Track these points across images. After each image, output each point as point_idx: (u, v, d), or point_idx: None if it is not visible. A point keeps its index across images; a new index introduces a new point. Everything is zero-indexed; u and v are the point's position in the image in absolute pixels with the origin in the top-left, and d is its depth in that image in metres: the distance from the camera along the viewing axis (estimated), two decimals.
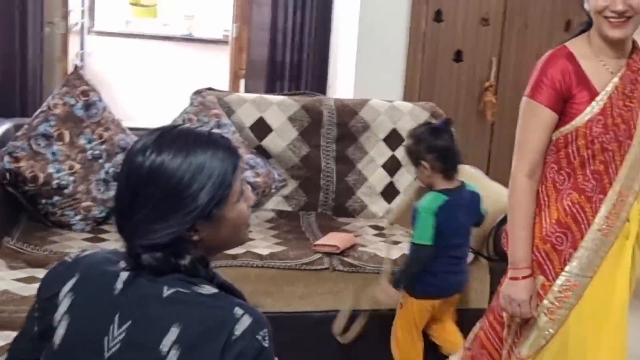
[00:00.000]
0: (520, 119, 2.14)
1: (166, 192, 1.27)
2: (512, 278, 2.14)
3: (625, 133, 2.05)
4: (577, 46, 2.09)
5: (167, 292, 1.27)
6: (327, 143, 3.60)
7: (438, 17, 4.39)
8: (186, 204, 1.27)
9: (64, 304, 1.31)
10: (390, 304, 2.84)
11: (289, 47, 5.10)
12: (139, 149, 1.30)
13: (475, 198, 2.86)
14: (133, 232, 1.28)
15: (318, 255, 3.06)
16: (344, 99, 3.79)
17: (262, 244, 3.17)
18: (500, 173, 4.45)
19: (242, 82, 5.56)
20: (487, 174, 4.24)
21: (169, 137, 1.31)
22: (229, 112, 3.54)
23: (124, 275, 1.30)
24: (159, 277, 1.28)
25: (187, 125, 1.38)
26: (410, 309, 2.83)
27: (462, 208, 2.77)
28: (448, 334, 2.92)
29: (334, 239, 3.13)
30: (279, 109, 3.59)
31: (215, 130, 3.38)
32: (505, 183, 3.73)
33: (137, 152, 1.30)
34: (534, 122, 2.09)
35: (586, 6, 2.07)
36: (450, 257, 2.78)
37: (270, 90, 5.13)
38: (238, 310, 1.25)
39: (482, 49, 4.48)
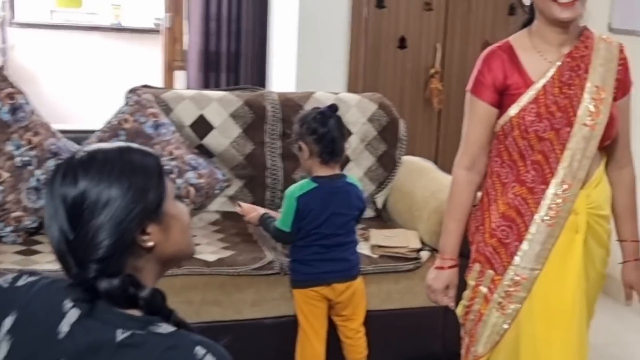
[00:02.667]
0: (464, 113, 2.19)
1: (106, 204, 1.23)
2: (437, 267, 2.25)
3: (562, 121, 2.04)
4: (517, 39, 2.14)
5: (121, 336, 1.17)
6: (272, 139, 3.51)
7: (380, 3, 4.33)
8: (131, 206, 1.24)
9: (2, 349, 1.21)
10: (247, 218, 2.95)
11: (225, 37, 5.00)
12: (63, 179, 1.25)
13: (354, 190, 2.84)
14: (83, 255, 1.20)
15: (269, 259, 2.98)
16: (287, 93, 3.70)
17: (208, 249, 3.07)
18: (448, 161, 4.43)
19: (177, 74, 5.44)
20: (435, 162, 4.22)
21: (88, 161, 1.27)
22: (167, 110, 3.42)
23: (71, 315, 1.20)
24: (112, 317, 1.19)
25: (95, 146, 1.32)
26: (297, 302, 2.83)
27: (333, 196, 2.76)
28: (350, 339, 2.89)
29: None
30: (220, 106, 3.48)
31: (153, 131, 3.31)
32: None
33: (63, 182, 1.25)
34: (473, 116, 2.15)
35: (526, 1, 2.09)
36: (319, 245, 2.77)
37: (206, 83, 5.04)
38: (200, 350, 1.17)
39: (426, 35, 4.44)
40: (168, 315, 1.23)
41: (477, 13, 4.48)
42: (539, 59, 2.09)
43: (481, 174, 2.18)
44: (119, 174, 1.24)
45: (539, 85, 2.06)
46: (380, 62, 4.42)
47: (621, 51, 2.13)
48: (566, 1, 1.99)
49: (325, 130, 2.75)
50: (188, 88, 4.98)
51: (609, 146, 2.13)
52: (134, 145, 1.33)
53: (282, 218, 2.78)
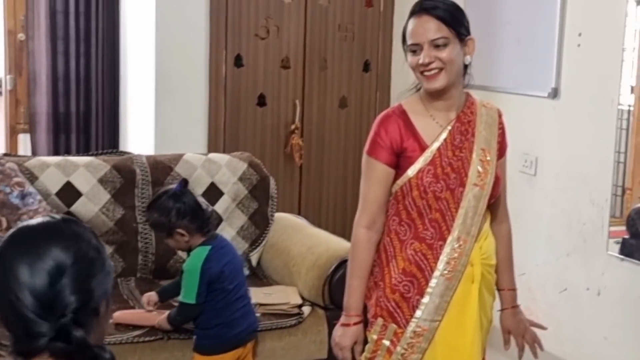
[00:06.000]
0: (362, 174, 2.39)
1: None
2: (343, 324, 2.39)
3: (456, 181, 2.31)
4: (410, 104, 2.37)
5: None
6: (142, 203, 3.63)
7: (238, 62, 4.59)
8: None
9: None
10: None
11: (74, 97, 5.04)
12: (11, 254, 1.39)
13: (229, 242, 3.13)
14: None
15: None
16: (156, 156, 3.84)
17: None
18: (311, 215, 4.73)
19: (22, 138, 5.41)
20: (299, 215, 4.47)
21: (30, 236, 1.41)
22: (32, 178, 3.46)
23: None
24: None
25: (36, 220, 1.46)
26: None
27: (227, 250, 2.99)
28: None
29: (132, 317, 3.16)
30: (87, 171, 3.57)
31: (19, 202, 3.35)
32: (316, 225, 4.02)
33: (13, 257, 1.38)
34: (371, 177, 2.35)
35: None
36: (238, 299, 2.96)
37: (56, 145, 5.05)
38: None
39: (285, 92, 4.72)
40: None
41: (332, 70, 4.82)
42: (431, 122, 2.34)
43: (380, 232, 2.36)
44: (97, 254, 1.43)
45: (433, 148, 2.30)
46: (240, 120, 4.65)
47: (500, 116, 2.44)
48: (429, 74, 2.27)
49: (194, 206, 2.93)
50: (34, 152, 4.99)
51: (492, 204, 2.41)
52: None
53: (185, 292, 2.89)
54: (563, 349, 3.71)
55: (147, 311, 3.14)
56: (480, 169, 2.33)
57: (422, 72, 2.28)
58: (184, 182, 3.01)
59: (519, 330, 2.51)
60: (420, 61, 2.25)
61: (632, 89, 3.49)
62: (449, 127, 2.33)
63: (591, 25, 3.61)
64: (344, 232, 4.63)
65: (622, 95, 3.52)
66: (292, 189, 4.83)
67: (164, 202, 2.92)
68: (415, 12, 2.29)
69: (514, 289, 2.53)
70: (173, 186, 3.02)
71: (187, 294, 2.89)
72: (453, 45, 2.26)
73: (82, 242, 1.40)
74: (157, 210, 2.93)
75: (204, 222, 2.94)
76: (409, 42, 2.29)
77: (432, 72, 2.26)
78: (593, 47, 3.61)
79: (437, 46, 2.25)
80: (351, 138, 4.91)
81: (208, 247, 2.92)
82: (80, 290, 1.35)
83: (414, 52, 2.28)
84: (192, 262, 2.91)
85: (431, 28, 2.25)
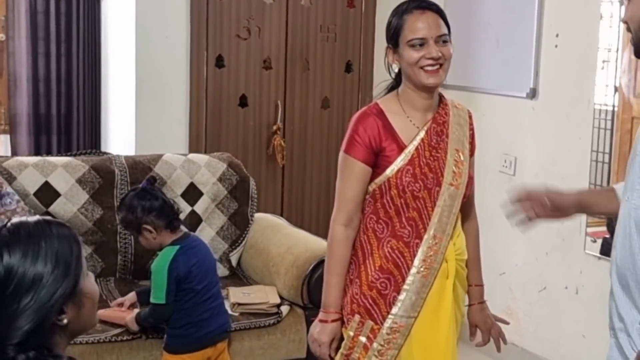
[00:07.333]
0: (338, 173, 2.44)
1: (27, 287, 1.36)
2: (321, 320, 2.44)
3: (433, 181, 2.37)
4: (386, 103, 2.42)
5: None
6: None
7: (219, 62, 4.63)
8: (53, 289, 1.38)
9: None
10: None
11: (55, 99, 5.07)
12: None
13: (202, 242, 3.16)
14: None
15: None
16: (135, 156, 3.88)
17: None
18: (293, 216, 4.78)
19: (2, 139, 5.43)
20: (281, 216, 4.52)
21: (9, 235, 1.40)
22: (10, 179, 3.50)
23: None
24: None
25: (17, 219, 1.46)
26: None
27: (197, 250, 3.03)
28: None
29: (106, 315, 3.18)
30: (65, 172, 3.61)
31: None
32: (298, 225, 4.06)
33: None
34: (349, 175, 2.39)
35: (394, 67, 2.40)
36: (207, 299, 3.00)
37: (37, 147, 5.08)
38: None
39: (267, 92, 4.78)
40: None
41: (314, 71, 4.88)
42: (408, 123, 2.39)
43: (356, 229, 2.41)
44: (44, 255, 1.38)
45: (411, 148, 2.36)
46: (222, 120, 4.69)
47: (470, 117, 2.51)
48: (432, 69, 2.32)
49: (161, 202, 2.99)
50: (14, 152, 5.02)
51: (463, 202, 2.46)
52: (49, 217, 1.47)
53: (155, 293, 2.94)
54: (542, 347, 3.77)
55: (120, 310, 3.20)
56: (455, 169, 2.39)
57: (422, 67, 2.32)
58: (152, 180, 3.07)
59: (486, 326, 2.58)
60: (433, 55, 2.30)
61: (616, 89, 3.54)
62: (426, 128, 2.38)
63: (568, 26, 3.68)
64: (327, 232, 4.65)
65: (603, 95, 3.56)
66: (275, 189, 4.88)
67: (131, 199, 2.99)
68: (415, 8, 2.33)
69: (481, 285, 2.60)
70: (141, 184, 3.08)
71: (157, 295, 2.94)
72: (450, 43, 2.35)
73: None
74: (125, 207, 2.99)
75: (171, 220, 2.98)
76: (411, 37, 2.31)
77: (435, 67, 2.32)
78: (570, 48, 3.68)
79: (442, 42, 2.32)
80: (333, 139, 4.95)
81: (176, 247, 2.97)
82: (33, 318, 1.34)
83: (417, 46, 2.31)
84: (159, 262, 2.96)
85: (437, 24, 2.32)
